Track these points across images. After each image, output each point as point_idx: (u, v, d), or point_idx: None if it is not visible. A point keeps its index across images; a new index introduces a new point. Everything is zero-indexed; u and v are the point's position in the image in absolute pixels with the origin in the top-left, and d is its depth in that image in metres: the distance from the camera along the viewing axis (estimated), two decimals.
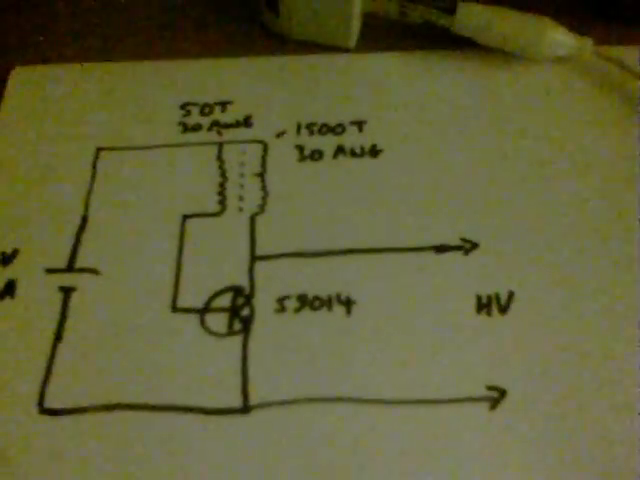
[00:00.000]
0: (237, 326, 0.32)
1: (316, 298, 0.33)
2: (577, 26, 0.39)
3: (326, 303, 0.33)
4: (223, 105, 0.39)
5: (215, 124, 0.38)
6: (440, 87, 0.40)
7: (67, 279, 0.33)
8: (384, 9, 0.40)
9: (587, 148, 0.37)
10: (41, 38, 0.42)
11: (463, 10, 0.39)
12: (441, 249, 0.34)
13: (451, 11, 0.39)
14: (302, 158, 0.37)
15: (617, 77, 0.39)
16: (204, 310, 0.32)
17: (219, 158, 0.37)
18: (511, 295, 0.33)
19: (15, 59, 0.41)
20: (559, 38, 0.39)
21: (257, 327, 0.32)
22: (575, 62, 0.40)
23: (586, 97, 0.39)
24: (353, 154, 0.37)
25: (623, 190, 0.36)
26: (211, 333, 0.32)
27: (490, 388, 0.30)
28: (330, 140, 0.38)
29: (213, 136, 0.38)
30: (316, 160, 0.37)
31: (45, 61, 0.41)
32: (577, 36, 0.39)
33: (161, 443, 0.29)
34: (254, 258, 0.34)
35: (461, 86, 0.40)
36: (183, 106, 0.39)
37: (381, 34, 0.42)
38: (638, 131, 0.38)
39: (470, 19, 0.39)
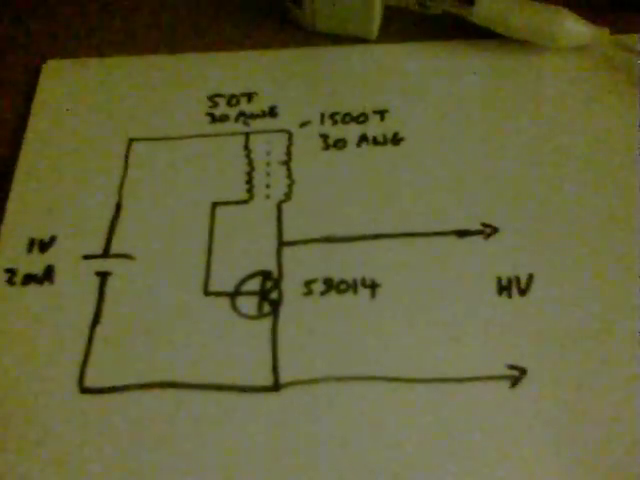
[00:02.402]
0: (266, 309, 0.33)
1: (342, 282, 0.34)
2: (593, 15, 0.40)
3: (351, 286, 0.34)
4: (249, 96, 0.40)
5: (242, 115, 0.39)
6: (459, 76, 0.40)
7: (103, 264, 0.35)
8: (405, 1, 0.41)
9: (604, 136, 0.38)
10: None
11: (482, 1, 0.40)
12: (462, 234, 0.35)
13: (470, 2, 0.40)
14: (326, 147, 0.38)
15: (634, 66, 0.40)
16: (235, 294, 0.34)
17: (246, 147, 0.38)
18: (530, 278, 0.34)
19: (47, 53, 0.43)
20: (576, 28, 0.39)
21: (285, 310, 0.33)
22: (592, 51, 0.41)
23: (603, 86, 0.40)
24: (376, 142, 0.38)
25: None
26: (242, 315, 0.33)
27: (511, 367, 0.31)
28: (353, 129, 0.39)
29: (240, 126, 0.39)
30: (340, 148, 0.38)
31: (76, 55, 0.42)
32: (593, 25, 0.40)
33: (196, 419, 0.30)
34: (281, 244, 0.35)
35: (480, 75, 0.40)
36: (211, 97, 0.40)
37: (402, 25, 0.43)
38: None
39: (489, 9, 0.40)
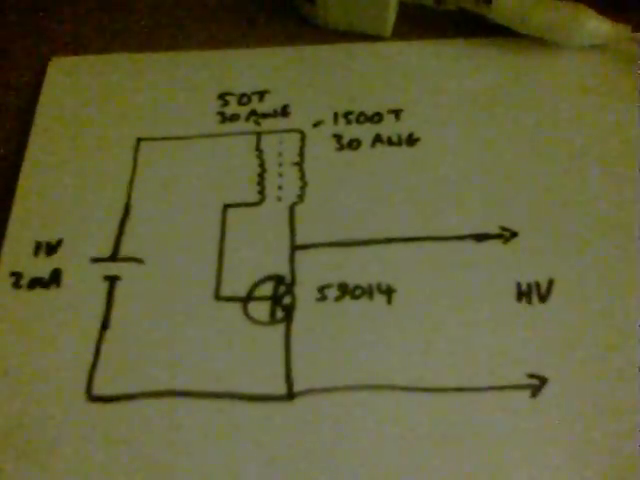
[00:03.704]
0: (279, 314, 0.32)
1: (357, 287, 0.33)
2: (613, 13, 0.39)
3: (367, 292, 0.33)
4: (261, 95, 0.39)
5: (253, 114, 0.39)
6: (476, 75, 0.40)
7: (112, 268, 0.34)
8: None
9: (627, 136, 0.37)
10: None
11: None
12: (481, 238, 0.34)
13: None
14: (340, 147, 0.37)
15: None
16: (247, 299, 0.33)
17: (258, 148, 0.37)
18: (551, 283, 0.33)
19: (53, 50, 0.42)
20: (596, 25, 0.39)
21: (299, 315, 0.32)
22: (612, 49, 0.40)
23: (624, 84, 0.39)
24: (391, 143, 0.37)
25: None
26: (254, 321, 0.32)
27: (531, 376, 0.30)
28: (368, 129, 0.38)
29: (251, 126, 0.38)
30: (354, 149, 0.37)
31: (83, 52, 0.42)
32: (614, 23, 0.39)
33: (207, 429, 0.30)
34: (294, 247, 0.34)
35: (497, 74, 0.40)
36: (221, 96, 0.39)
37: (417, 22, 0.42)
38: None
39: (506, 6, 0.39)
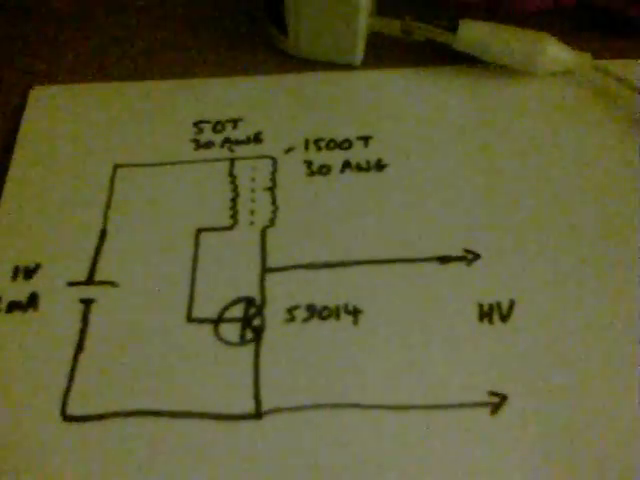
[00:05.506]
0: (249, 335, 0.33)
1: (324, 308, 0.34)
2: (575, 41, 0.40)
3: (334, 313, 0.34)
4: (234, 122, 0.40)
5: (227, 141, 0.40)
6: (443, 102, 0.41)
7: (87, 291, 0.35)
8: (388, 28, 0.41)
9: (586, 161, 0.38)
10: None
11: (464, 28, 0.40)
12: (444, 260, 0.35)
13: (453, 29, 0.40)
14: (310, 173, 0.38)
15: (616, 91, 0.40)
16: (218, 320, 0.34)
17: (231, 174, 0.38)
18: (512, 304, 0.34)
19: (34, 79, 0.43)
20: (558, 53, 0.40)
21: (268, 336, 0.33)
22: (574, 76, 0.41)
23: (585, 111, 0.40)
24: (359, 168, 0.38)
25: (622, 202, 0.37)
26: (224, 342, 0.33)
27: (491, 393, 0.31)
28: (337, 155, 0.39)
29: (225, 152, 0.39)
30: (324, 175, 0.38)
31: (63, 81, 0.43)
32: (576, 51, 0.40)
33: (178, 448, 0.31)
34: (265, 270, 0.35)
35: (463, 101, 0.41)
36: (196, 124, 0.40)
37: (385, 52, 0.43)
38: (637, 145, 0.39)
39: (471, 36, 0.40)
